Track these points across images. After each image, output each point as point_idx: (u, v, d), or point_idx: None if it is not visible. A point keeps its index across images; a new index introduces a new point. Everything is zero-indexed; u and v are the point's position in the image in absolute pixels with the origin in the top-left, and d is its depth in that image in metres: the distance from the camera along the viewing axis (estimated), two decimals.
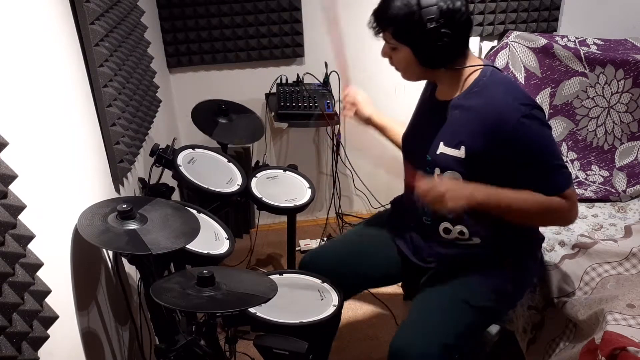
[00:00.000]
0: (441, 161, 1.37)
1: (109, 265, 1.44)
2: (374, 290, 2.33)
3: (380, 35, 1.33)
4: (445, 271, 1.46)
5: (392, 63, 1.38)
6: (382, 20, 1.30)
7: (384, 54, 1.38)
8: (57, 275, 1.08)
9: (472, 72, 1.34)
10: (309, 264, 1.65)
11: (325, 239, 2.73)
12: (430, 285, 1.46)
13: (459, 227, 1.43)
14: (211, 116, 2.07)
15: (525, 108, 1.25)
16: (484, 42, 2.61)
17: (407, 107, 1.60)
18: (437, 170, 1.38)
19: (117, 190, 1.55)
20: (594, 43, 2.23)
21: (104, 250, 1.40)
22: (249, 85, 2.60)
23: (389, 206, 1.73)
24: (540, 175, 1.30)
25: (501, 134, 1.26)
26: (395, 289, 2.33)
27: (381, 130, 1.66)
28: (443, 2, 1.22)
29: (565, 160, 2.16)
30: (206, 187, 1.67)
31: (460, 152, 1.33)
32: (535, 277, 1.66)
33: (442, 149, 1.36)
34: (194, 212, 1.48)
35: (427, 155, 1.40)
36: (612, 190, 2.09)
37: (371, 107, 1.65)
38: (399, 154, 1.61)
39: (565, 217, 1.35)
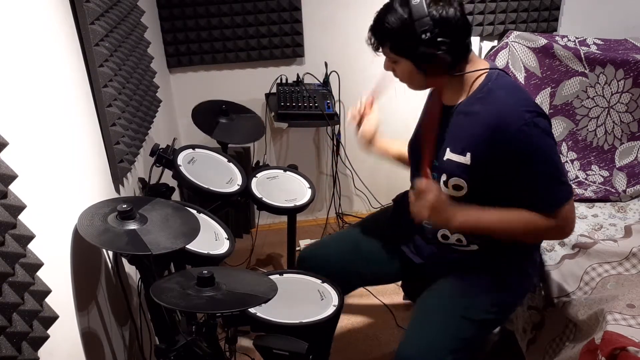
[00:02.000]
0: (447, 167, 1.35)
1: (109, 265, 1.44)
2: (373, 290, 2.33)
3: (380, 50, 1.33)
4: (445, 281, 1.45)
5: (396, 75, 1.38)
6: (379, 36, 1.31)
7: (387, 67, 1.37)
8: (57, 275, 1.08)
9: (478, 76, 1.32)
10: (307, 259, 1.65)
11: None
12: (429, 296, 1.45)
13: (456, 235, 1.42)
14: (211, 116, 2.07)
15: (529, 115, 1.22)
16: (484, 42, 2.61)
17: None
18: (443, 177, 1.37)
19: (117, 190, 1.55)
20: (594, 43, 2.23)
21: (104, 250, 1.40)
22: (249, 85, 2.60)
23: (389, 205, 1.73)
24: (536, 187, 1.27)
25: (503, 140, 1.24)
26: (395, 288, 2.33)
27: (382, 154, 1.67)
28: (435, 11, 1.21)
29: (565, 160, 2.16)
30: (206, 187, 1.67)
31: (465, 159, 1.31)
32: (533, 281, 1.66)
33: (449, 155, 1.35)
34: (194, 212, 1.48)
35: (434, 161, 1.39)
36: (612, 190, 2.09)
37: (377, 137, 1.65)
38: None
39: (556, 235, 1.38)
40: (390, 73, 1.38)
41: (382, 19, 1.27)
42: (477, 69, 1.32)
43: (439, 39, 1.22)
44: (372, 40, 1.33)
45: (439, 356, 1.34)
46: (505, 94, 1.28)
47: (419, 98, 1.56)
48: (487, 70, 1.32)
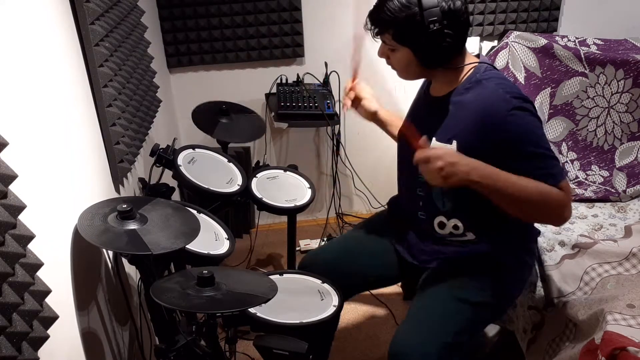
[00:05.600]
0: None
1: (109, 265, 1.44)
2: (373, 290, 2.33)
3: (379, 37, 1.33)
4: (442, 270, 1.46)
5: (389, 63, 1.38)
6: (381, 22, 1.29)
7: (382, 54, 1.38)
8: (57, 275, 1.08)
9: (467, 69, 1.35)
10: (308, 265, 1.65)
11: (325, 239, 2.73)
12: (426, 286, 1.46)
13: (453, 221, 1.43)
14: (212, 116, 2.08)
15: (516, 101, 1.25)
16: (484, 42, 2.61)
17: (407, 106, 1.60)
18: None
19: (117, 190, 1.55)
20: (594, 43, 2.23)
21: (104, 250, 1.40)
22: (249, 85, 2.60)
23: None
24: (534, 166, 1.27)
25: (492, 126, 1.26)
26: (395, 288, 2.33)
27: (383, 125, 1.66)
28: (444, 2, 1.22)
29: (565, 160, 2.16)
30: (206, 187, 1.67)
31: (451, 147, 1.33)
32: (532, 271, 1.66)
33: (434, 144, 1.37)
34: (194, 212, 1.48)
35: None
36: (612, 190, 2.09)
37: (376, 103, 1.64)
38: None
39: (563, 211, 1.29)
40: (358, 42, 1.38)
41: (385, 5, 1.26)
42: (469, 62, 1.35)
43: (445, 31, 1.23)
44: (372, 26, 1.31)
45: (439, 338, 1.34)
46: (492, 84, 1.30)
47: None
48: (477, 63, 1.35)
